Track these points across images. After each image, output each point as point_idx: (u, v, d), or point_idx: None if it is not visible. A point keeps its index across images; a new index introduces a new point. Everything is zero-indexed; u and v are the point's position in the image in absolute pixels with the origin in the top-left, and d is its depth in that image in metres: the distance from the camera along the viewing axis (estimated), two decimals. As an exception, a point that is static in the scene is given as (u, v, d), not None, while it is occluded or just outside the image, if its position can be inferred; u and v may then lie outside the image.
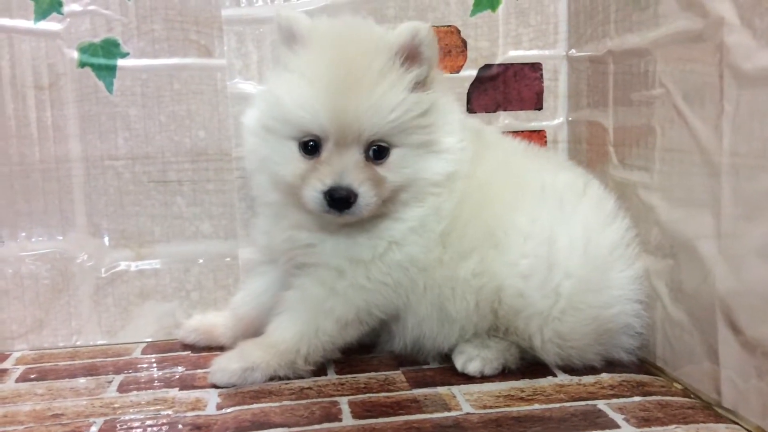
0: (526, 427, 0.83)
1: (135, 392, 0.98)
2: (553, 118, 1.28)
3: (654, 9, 0.96)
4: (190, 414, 0.90)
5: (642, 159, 1.02)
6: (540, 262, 0.97)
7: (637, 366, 1.02)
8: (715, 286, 0.85)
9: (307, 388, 0.97)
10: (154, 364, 1.09)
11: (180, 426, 0.86)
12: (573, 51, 1.25)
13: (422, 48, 0.93)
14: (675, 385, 0.96)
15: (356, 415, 0.87)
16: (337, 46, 0.93)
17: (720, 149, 0.83)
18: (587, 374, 0.99)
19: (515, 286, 0.97)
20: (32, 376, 1.06)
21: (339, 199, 0.90)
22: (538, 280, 0.96)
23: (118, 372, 1.06)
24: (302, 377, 1.00)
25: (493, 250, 0.98)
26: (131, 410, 0.92)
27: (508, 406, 0.89)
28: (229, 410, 0.90)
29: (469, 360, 1.00)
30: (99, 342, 1.19)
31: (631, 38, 1.03)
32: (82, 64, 1.15)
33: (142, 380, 1.03)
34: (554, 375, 0.99)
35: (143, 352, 1.15)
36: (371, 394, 0.94)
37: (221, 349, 1.12)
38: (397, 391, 0.95)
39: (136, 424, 0.87)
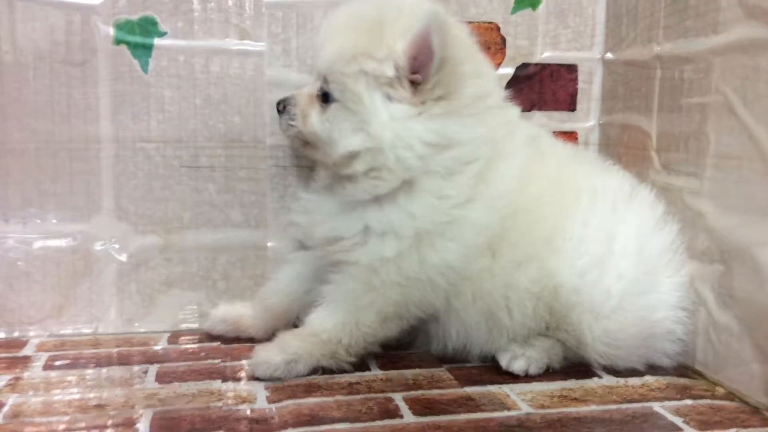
0: (590, 428, 0.83)
1: (177, 383, 0.95)
2: (586, 121, 1.28)
3: (714, 16, 0.97)
4: (242, 407, 0.87)
5: (690, 165, 1.03)
6: (595, 261, 0.98)
7: (675, 369, 1.03)
8: (776, 293, 0.86)
9: (356, 383, 0.95)
10: (189, 355, 1.06)
11: (236, 419, 0.84)
12: (609, 54, 1.25)
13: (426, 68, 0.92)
14: (717, 388, 0.97)
15: (416, 412, 0.86)
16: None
17: (787, 158, 0.84)
18: (631, 376, 0.99)
19: (572, 282, 0.98)
20: (58, 364, 1.02)
21: (278, 102, 1.02)
22: (592, 278, 0.98)
23: (149, 362, 1.03)
24: (345, 370, 0.98)
25: (554, 256, 0.98)
26: (178, 402, 0.89)
27: (566, 406, 0.89)
28: (282, 404, 0.88)
29: (514, 358, 1.00)
30: (120, 330, 1.15)
31: (684, 44, 1.04)
32: (118, 42, 1.11)
33: (181, 371, 0.99)
34: (599, 376, 1.00)
35: (170, 342, 1.12)
36: (423, 391, 0.93)
37: (251, 340, 1.10)
38: (448, 388, 0.94)
39: (188, 415, 0.85)
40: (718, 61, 0.97)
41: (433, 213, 0.96)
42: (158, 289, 1.16)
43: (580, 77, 1.27)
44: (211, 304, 1.18)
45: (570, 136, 1.28)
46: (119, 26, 1.11)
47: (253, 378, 0.96)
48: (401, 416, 0.85)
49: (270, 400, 0.89)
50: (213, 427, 0.82)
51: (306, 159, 1.14)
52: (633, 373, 1.00)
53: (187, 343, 1.11)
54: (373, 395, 0.91)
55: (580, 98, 1.28)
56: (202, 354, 1.06)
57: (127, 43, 1.11)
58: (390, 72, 0.93)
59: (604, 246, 0.99)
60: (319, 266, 1.05)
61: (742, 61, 0.92)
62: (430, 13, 0.91)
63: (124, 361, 1.03)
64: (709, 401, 0.92)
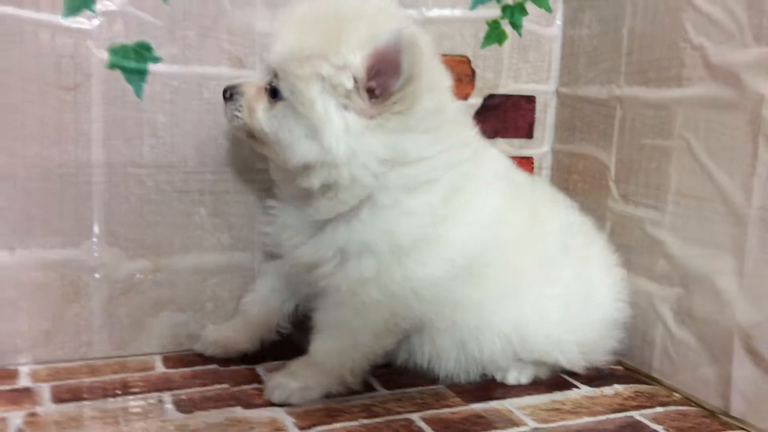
0: None
1: (199, 412, 0.98)
2: (541, 147, 1.41)
3: (677, 71, 1.11)
4: (277, 435, 0.92)
5: (651, 198, 1.17)
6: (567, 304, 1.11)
7: (630, 377, 1.18)
8: (735, 317, 1.01)
9: (372, 405, 1.02)
10: (193, 380, 1.08)
11: (281, 449, 0.89)
12: (564, 89, 1.38)
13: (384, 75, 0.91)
14: (674, 394, 1.12)
15: (440, 433, 0.95)
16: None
17: (749, 203, 0.99)
18: (603, 385, 1.13)
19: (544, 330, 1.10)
20: (67, 397, 1.01)
21: (225, 89, 1.01)
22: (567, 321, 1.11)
23: (156, 389, 1.05)
24: (354, 391, 1.04)
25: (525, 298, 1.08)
26: (212, 432, 0.92)
27: (564, 419, 1.01)
28: (313, 430, 0.94)
29: (507, 370, 1.10)
30: (110, 354, 1.15)
31: (645, 91, 1.18)
32: (112, 66, 1.10)
33: (196, 398, 1.02)
34: (578, 387, 1.12)
35: (167, 366, 1.13)
36: (435, 411, 1.01)
37: (244, 356, 1.14)
38: (456, 406, 1.04)
39: (232, 448, 0.89)
40: (681, 110, 1.11)
41: (405, 229, 0.99)
42: (148, 312, 1.17)
43: (537, 107, 1.39)
44: (198, 324, 1.20)
45: (527, 161, 1.40)
46: (114, 51, 1.09)
47: (269, 403, 1.01)
48: (427, 438, 0.93)
49: (299, 427, 0.95)
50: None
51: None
52: (605, 381, 1.14)
53: (184, 366, 1.13)
54: (392, 417, 0.99)
55: (537, 127, 1.40)
56: (207, 379, 1.09)
57: (122, 68, 1.10)
58: (349, 82, 0.91)
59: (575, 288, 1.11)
60: (291, 275, 1.10)
61: (708, 115, 1.06)
62: (400, 28, 0.89)
63: (132, 389, 1.04)
64: (674, 407, 1.07)
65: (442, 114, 1.00)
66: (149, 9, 1.11)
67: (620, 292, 1.16)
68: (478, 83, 1.34)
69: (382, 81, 0.91)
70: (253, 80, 1.00)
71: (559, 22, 1.37)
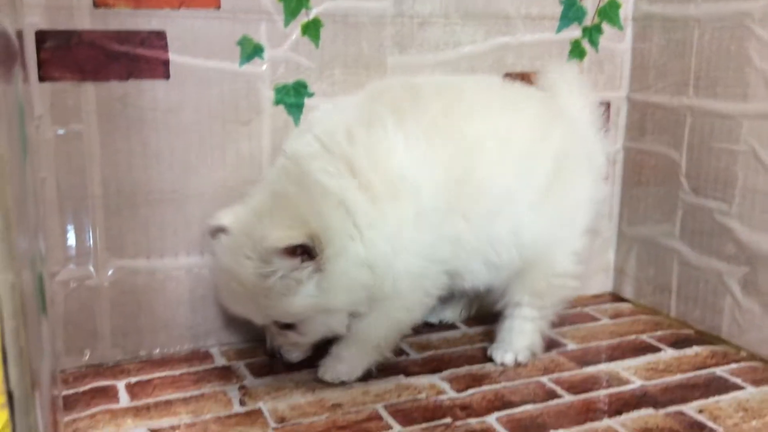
0: (692, 392, 1.20)
1: (373, 380, 1.23)
2: (614, 145, 1.64)
3: (743, 89, 1.34)
4: (441, 397, 1.18)
5: (720, 192, 1.41)
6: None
7: (704, 340, 1.43)
8: (796, 290, 1.27)
9: (505, 371, 1.28)
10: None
11: (449, 407, 1.15)
12: (634, 95, 1.61)
13: (298, 252, 1.06)
14: (742, 352, 1.38)
15: (571, 393, 1.20)
16: (226, 262, 1.11)
17: (807, 200, 1.24)
18: (684, 347, 1.38)
19: None
20: (263, 372, 1.27)
21: (272, 356, 1.20)
22: None
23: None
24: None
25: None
26: (389, 396, 1.18)
27: (662, 377, 1.26)
28: (467, 391, 1.19)
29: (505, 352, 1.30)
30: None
31: (714, 103, 1.41)
32: (277, 102, 1.33)
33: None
34: (664, 350, 1.38)
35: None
36: (560, 373, 1.27)
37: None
38: (573, 369, 1.29)
39: (414, 407, 1.14)
40: (746, 121, 1.34)
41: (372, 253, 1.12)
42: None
43: (612, 111, 1.62)
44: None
45: (603, 157, 1.64)
46: (278, 90, 1.33)
47: (425, 372, 1.26)
48: (560, 396, 1.19)
49: (455, 390, 1.20)
50: (440, 415, 1.12)
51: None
52: (683, 345, 1.40)
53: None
54: (526, 380, 1.24)
55: (611, 127, 1.63)
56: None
57: (285, 103, 1.34)
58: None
59: None
60: None
61: (769, 127, 1.30)
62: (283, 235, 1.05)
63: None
64: (746, 363, 1.32)
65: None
66: (305, 54, 1.34)
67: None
68: (564, 95, 1.57)
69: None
70: (274, 333, 1.19)
71: (629, 38, 1.60)
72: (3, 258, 0.32)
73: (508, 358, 1.30)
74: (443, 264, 1.18)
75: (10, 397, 0.33)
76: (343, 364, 1.22)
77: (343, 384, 1.21)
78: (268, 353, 1.21)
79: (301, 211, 1.08)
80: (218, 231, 1.15)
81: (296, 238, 1.05)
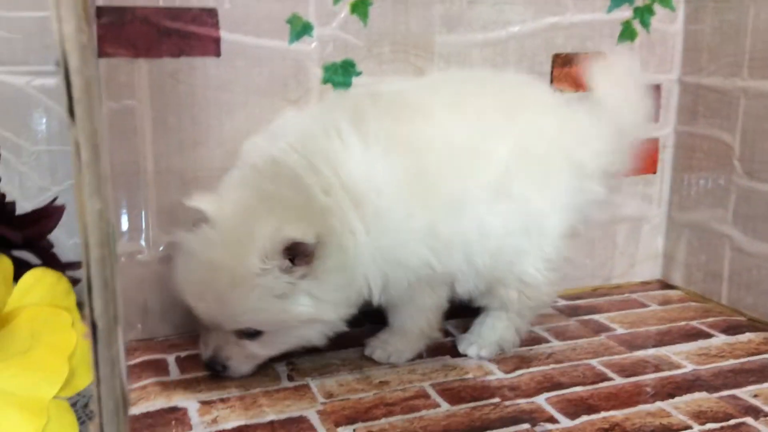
0: (753, 379, 1.17)
1: (419, 359, 1.23)
2: (665, 129, 1.61)
3: (801, 69, 1.31)
4: (488, 378, 1.17)
5: (775, 176, 1.38)
6: None
7: (756, 327, 1.40)
8: None
9: (552, 353, 1.26)
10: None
11: (496, 387, 1.14)
12: (686, 77, 1.58)
13: (297, 251, 1.02)
14: (796, 340, 1.35)
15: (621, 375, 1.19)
16: (210, 256, 1.03)
17: None
18: (737, 334, 1.36)
19: None
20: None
21: (212, 366, 1.12)
22: None
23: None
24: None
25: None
26: (437, 376, 1.17)
27: (713, 362, 1.24)
28: (515, 373, 1.18)
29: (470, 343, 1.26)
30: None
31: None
32: (325, 81, 1.33)
33: (413, 350, 1.27)
34: (716, 336, 1.35)
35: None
36: (610, 357, 1.25)
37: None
38: (623, 353, 1.27)
39: (461, 386, 1.14)
40: (804, 103, 1.31)
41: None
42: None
43: (662, 94, 1.59)
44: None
45: (653, 141, 1.61)
46: (326, 68, 1.33)
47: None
48: (610, 379, 1.18)
49: (504, 371, 1.19)
50: (488, 394, 1.12)
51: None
52: (735, 332, 1.37)
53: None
54: (574, 363, 1.23)
55: (662, 111, 1.60)
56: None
57: (333, 82, 1.34)
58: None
59: None
60: None
61: (829, 108, 1.27)
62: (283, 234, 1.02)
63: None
64: (800, 350, 1.30)
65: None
66: (353, 32, 1.33)
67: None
68: (614, 77, 1.54)
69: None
70: (219, 342, 1.11)
71: (681, 19, 1.57)
72: (90, 184, 0.32)
73: (472, 351, 1.25)
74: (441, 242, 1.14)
75: (94, 327, 0.33)
76: (391, 346, 1.22)
77: (390, 364, 1.21)
78: (208, 365, 1.12)
79: (305, 213, 1.05)
80: (200, 220, 1.07)
81: (310, 236, 1.02)
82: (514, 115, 1.20)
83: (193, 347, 1.26)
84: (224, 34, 1.25)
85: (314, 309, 1.06)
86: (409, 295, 1.17)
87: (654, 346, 1.30)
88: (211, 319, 1.08)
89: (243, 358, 1.12)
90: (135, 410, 1.05)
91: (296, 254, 1.03)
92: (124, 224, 1.25)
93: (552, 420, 1.04)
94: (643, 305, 1.52)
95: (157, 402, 1.08)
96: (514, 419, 1.04)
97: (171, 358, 1.22)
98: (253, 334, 1.09)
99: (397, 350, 1.22)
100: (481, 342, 1.26)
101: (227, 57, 1.26)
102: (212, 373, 1.13)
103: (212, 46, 1.25)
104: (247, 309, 1.04)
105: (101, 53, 1.19)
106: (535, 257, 1.21)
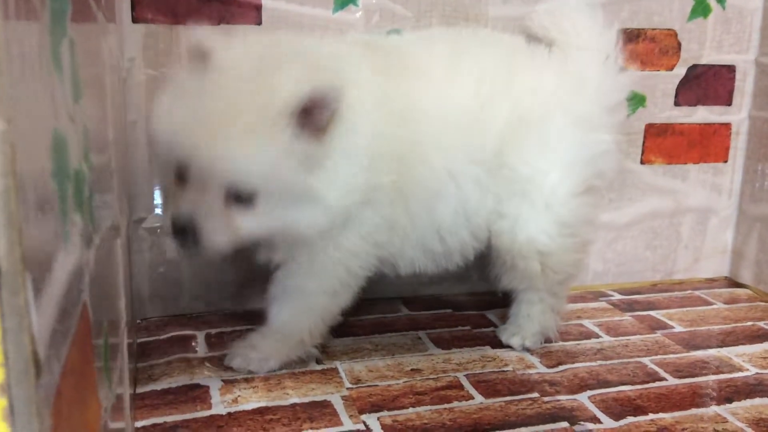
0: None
1: (456, 349, 1.16)
2: (739, 114, 1.49)
3: None
4: (529, 371, 1.09)
5: None
6: None
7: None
8: None
9: (601, 349, 1.18)
10: (437, 322, 1.27)
11: (536, 382, 1.06)
12: (764, 58, 1.45)
13: (319, 109, 0.90)
14: None
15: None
16: (229, 78, 0.90)
17: None
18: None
19: None
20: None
21: (180, 229, 0.90)
22: None
23: (413, 328, 1.24)
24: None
25: None
26: (474, 367, 1.10)
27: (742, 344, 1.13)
28: (558, 368, 1.10)
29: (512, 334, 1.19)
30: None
31: None
32: (370, 53, 1.27)
33: (445, 337, 1.21)
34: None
35: (410, 309, 1.33)
36: (663, 356, 1.16)
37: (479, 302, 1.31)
38: (679, 353, 1.18)
39: (499, 378, 1.06)
40: None
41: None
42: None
43: (737, 76, 1.47)
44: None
45: (726, 126, 1.49)
46: (372, 39, 1.26)
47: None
48: (663, 379, 1.08)
49: (546, 365, 1.11)
50: (527, 389, 1.04)
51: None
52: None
53: (424, 309, 1.32)
54: (623, 360, 1.14)
55: (736, 94, 1.48)
56: (449, 321, 1.28)
57: (378, 54, 1.27)
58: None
59: None
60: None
61: None
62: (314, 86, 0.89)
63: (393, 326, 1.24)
64: None
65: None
66: (401, 1, 1.27)
67: None
68: (684, 54, 1.43)
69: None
70: (199, 199, 0.90)
71: (761, -6, 1.44)
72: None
73: (515, 342, 1.17)
74: (378, 248, 1.06)
75: (-4, 270, 0.28)
76: (256, 352, 1.07)
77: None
78: (175, 226, 0.90)
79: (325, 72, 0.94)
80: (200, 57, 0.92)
81: (334, 91, 0.90)
82: (513, 78, 1.10)
83: (225, 325, 1.22)
84: (265, 2, 1.20)
85: (322, 183, 0.92)
86: (306, 286, 1.05)
87: (715, 346, 1.20)
88: (204, 168, 0.89)
89: (223, 227, 0.91)
90: (156, 386, 1.02)
91: (317, 109, 0.89)
92: (157, 198, 1.22)
93: (594, 420, 0.96)
94: (707, 303, 1.41)
95: (180, 378, 1.04)
96: (553, 416, 0.96)
97: (201, 335, 1.19)
98: (245, 200, 0.91)
99: (263, 357, 1.06)
100: (524, 333, 1.18)
101: (268, 25, 1.21)
102: (177, 241, 0.91)
103: (253, 14, 1.21)
104: (259, 161, 0.88)
105: (140, 18, 1.16)
106: (544, 221, 1.10)
